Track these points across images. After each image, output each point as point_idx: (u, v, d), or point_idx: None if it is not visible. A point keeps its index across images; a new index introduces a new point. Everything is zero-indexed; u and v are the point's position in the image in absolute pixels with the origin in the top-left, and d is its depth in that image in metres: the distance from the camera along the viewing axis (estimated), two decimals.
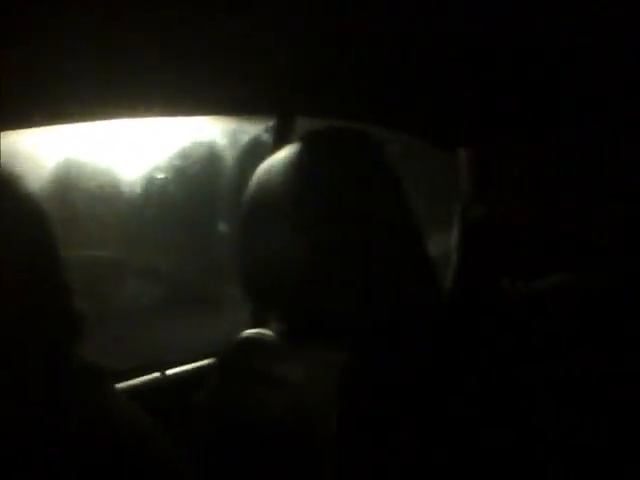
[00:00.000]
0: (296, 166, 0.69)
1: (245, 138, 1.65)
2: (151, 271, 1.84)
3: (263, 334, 0.77)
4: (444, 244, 1.15)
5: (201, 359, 1.20)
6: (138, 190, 1.49)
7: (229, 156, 1.66)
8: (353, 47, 0.96)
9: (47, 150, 1.27)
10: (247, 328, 1.31)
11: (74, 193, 1.39)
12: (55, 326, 0.60)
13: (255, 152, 1.55)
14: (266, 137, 1.44)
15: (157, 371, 1.12)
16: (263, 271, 0.74)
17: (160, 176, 1.50)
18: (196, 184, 1.60)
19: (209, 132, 1.63)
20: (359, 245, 0.67)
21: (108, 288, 1.66)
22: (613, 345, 0.67)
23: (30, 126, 0.80)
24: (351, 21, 0.83)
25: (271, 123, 1.32)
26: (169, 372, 1.14)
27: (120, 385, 1.03)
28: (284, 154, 0.72)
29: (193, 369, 1.16)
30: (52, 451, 0.55)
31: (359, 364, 0.63)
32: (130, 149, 1.42)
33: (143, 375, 1.09)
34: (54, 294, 0.61)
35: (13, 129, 0.76)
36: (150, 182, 1.51)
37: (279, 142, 1.25)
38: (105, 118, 0.90)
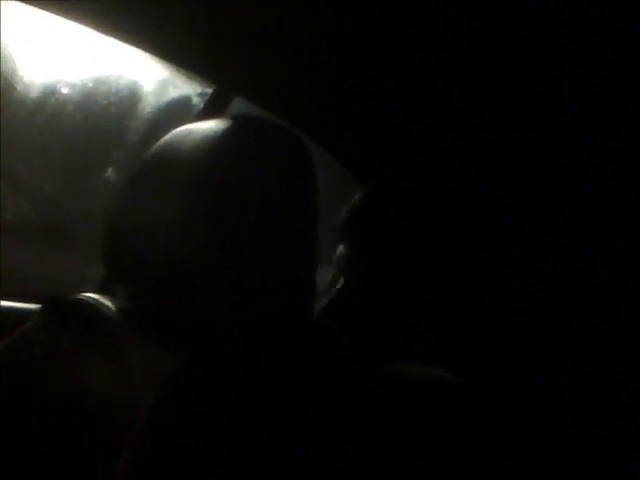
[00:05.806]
0: (215, 145, 0.62)
1: (175, 93, 1.53)
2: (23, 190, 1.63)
3: (102, 304, 0.68)
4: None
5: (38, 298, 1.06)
6: (35, 94, 1.32)
7: (151, 103, 1.53)
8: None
9: None
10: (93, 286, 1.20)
11: None
12: None
13: (179, 111, 1.44)
14: (196, 101, 1.35)
15: None
16: (132, 237, 0.65)
17: (65, 90, 1.34)
18: (103, 115, 1.45)
19: (141, 71, 1.50)
20: (247, 250, 0.61)
21: None
22: None
23: None
24: None
25: (208, 90, 1.24)
26: None
27: None
28: (207, 127, 0.66)
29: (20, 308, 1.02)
30: None
31: (189, 376, 0.56)
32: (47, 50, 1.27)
33: None
34: None
35: None
36: (53, 91, 1.35)
37: (207, 113, 1.17)
38: None
